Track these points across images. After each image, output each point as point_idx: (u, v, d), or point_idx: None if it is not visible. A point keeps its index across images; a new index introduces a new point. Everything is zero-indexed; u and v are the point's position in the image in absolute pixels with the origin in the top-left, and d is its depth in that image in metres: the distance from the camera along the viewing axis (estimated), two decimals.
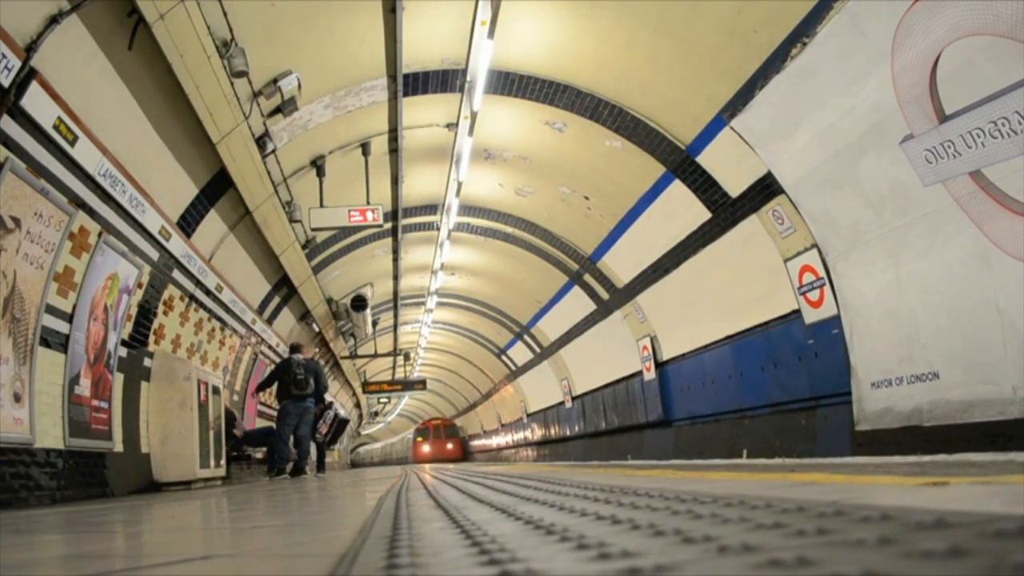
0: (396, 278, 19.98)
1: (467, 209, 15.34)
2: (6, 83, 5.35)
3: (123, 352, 8.35)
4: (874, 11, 6.14)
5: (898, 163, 6.49)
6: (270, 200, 10.70)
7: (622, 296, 14.41)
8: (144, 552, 2.51)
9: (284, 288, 15.09)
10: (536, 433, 25.46)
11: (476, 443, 39.31)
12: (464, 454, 41.95)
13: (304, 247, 13.54)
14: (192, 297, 10.35)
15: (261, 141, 9.68)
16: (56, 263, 6.45)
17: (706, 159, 9.67)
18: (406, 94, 10.55)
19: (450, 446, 41.98)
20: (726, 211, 9.84)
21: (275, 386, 11.40)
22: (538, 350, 21.85)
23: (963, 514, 1.20)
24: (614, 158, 11.31)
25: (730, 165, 9.30)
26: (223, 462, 11.90)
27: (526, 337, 22.21)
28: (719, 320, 11.39)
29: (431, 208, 15.77)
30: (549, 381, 22.20)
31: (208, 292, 10.99)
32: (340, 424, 18.49)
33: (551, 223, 14.93)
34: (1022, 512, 1.21)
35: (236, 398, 14.12)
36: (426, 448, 42.06)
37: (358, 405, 36.05)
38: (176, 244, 9.23)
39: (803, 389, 9.27)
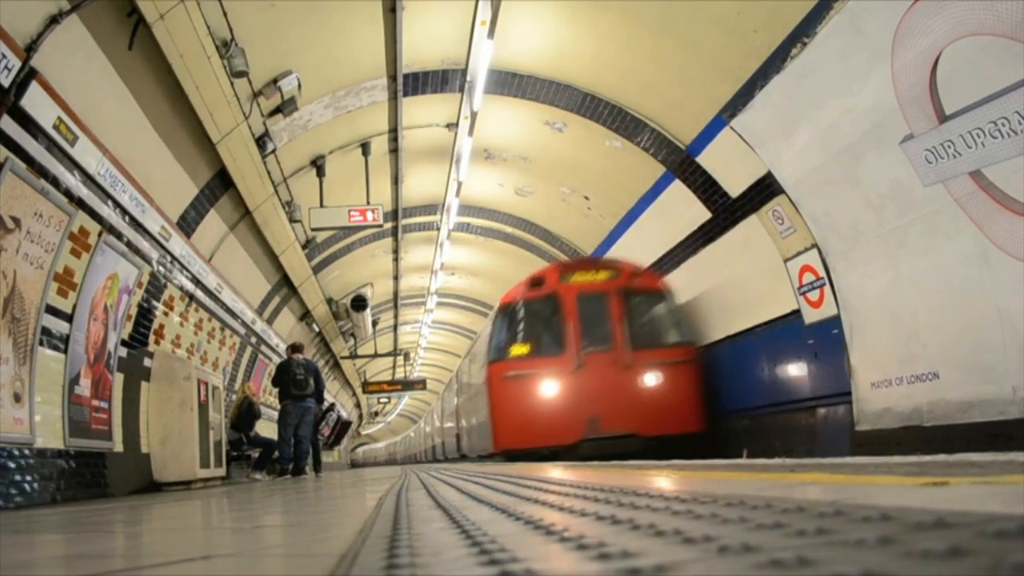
0: (396, 278, 19.99)
1: (467, 209, 15.34)
2: (6, 83, 5.35)
3: (123, 352, 8.35)
4: (874, 11, 6.14)
5: (898, 163, 6.49)
6: (270, 200, 10.70)
7: None
8: (144, 552, 2.50)
9: (284, 288, 15.09)
10: None
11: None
12: (697, 421, 10.57)
13: (304, 247, 13.55)
14: (192, 297, 10.34)
15: (261, 141, 9.68)
16: (56, 263, 6.45)
17: (706, 159, 9.67)
18: (406, 94, 10.55)
19: (655, 380, 10.54)
20: (726, 211, 9.84)
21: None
22: None
23: (963, 514, 1.20)
24: (614, 158, 11.30)
25: (730, 165, 9.30)
26: (248, 453, 11.94)
27: None
28: (719, 320, 11.38)
29: (431, 208, 15.77)
30: None
31: (208, 292, 10.99)
32: (343, 426, 18.55)
33: (551, 223, 14.93)
34: (1022, 512, 1.21)
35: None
36: (547, 389, 10.60)
37: (358, 405, 36.05)
38: (176, 244, 9.23)
39: (803, 389, 9.26)
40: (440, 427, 22.85)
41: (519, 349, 11.22)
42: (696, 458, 5.67)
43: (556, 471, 5.22)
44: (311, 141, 11.20)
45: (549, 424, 10.35)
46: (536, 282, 11.43)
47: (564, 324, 10.86)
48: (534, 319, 11.36)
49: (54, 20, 5.66)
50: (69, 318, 6.86)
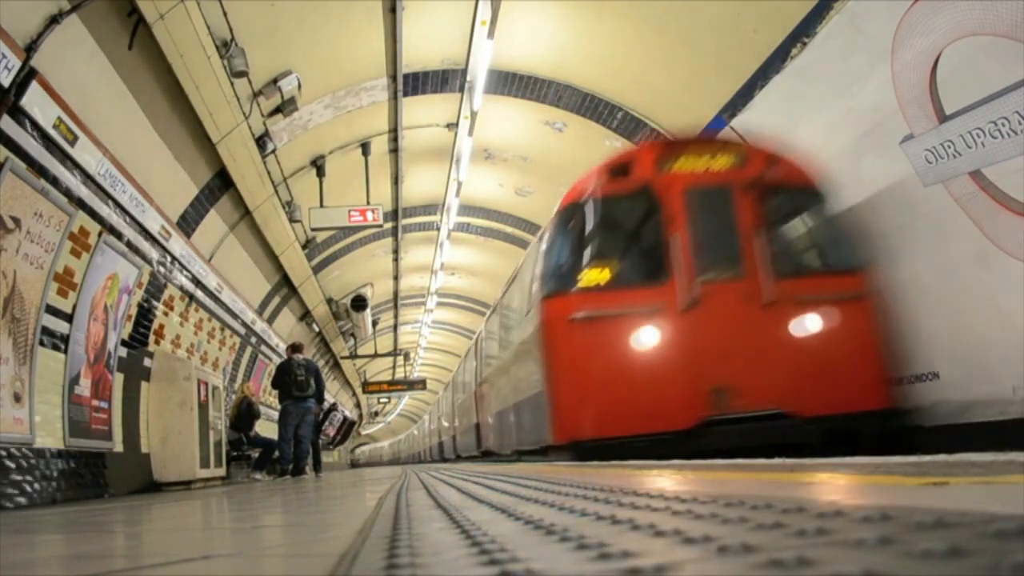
0: (396, 278, 19.99)
1: (467, 209, 15.35)
2: (6, 83, 5.35)
3: (123, 352, 8.35)
4: (874, 11, 6.14)
5: (898, 163, 6.49)
6: (270, 200, 10.70)
7: None
8: (144, 552, 2.51)
9: (284, 288, 15.09)
10: None
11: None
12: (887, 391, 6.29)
13: (304, 247, 13.55)
14: (192, 297, 10.35)
15: (261, 141, 9.69)
16: (56, 263, 6.45)
17: None
18: (406, 94, 10.56)
19: (816, 325, 6.31)
20: None
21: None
22: None
23: (963, 514, 1.19)
24: None
25: None
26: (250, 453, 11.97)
27: None
28: None
29: (431, 208, 15.77)
30: None
31: (208, 292, 11.00)
32: (349, 426, 18.54)
33: None
34: (1022, 512, 1.21)
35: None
36: (642, 339, 6.20)
37: (358, 405, 36.06)
38: (176, 244, 9.23)
39: None
40: (451, 420, 17.86)
41: (594, 276, 6.70)
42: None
43: (556, 472, 5.22)
44: (311, 141, 11.21)
45: (647, 398, 6.21)
46: (619, 169, 6.91)
47: (667, 235, 6.47)
48: (617, 228, 7.10)
49: (54, 20, 5.66)
50: (69, 318, 6.87)
